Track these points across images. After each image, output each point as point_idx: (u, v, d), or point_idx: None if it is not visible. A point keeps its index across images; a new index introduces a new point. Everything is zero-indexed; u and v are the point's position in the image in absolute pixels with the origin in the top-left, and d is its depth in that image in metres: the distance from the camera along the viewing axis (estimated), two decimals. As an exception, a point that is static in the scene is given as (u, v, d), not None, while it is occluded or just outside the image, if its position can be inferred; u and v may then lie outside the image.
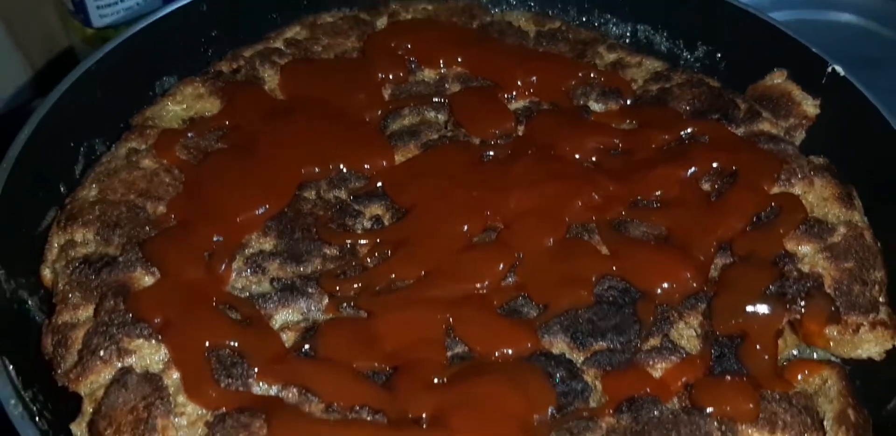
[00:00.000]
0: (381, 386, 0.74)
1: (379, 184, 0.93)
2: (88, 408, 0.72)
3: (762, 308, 0.80)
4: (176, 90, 0.99)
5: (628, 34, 1.16)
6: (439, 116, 1.01)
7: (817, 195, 0.90)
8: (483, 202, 0.90)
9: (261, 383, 0.73)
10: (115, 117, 0.97)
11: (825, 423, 0.74)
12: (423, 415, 0.71)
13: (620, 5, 1.15)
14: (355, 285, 0.82)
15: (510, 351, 0.78)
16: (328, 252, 0.85)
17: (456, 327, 0.79)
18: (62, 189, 0.90)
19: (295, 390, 0.73)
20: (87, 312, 0.78)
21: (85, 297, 0.78)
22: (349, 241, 0.86)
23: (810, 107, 1.01)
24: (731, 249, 0.85)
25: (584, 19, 1.17)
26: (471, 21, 1.11)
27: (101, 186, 0.87)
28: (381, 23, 1.10)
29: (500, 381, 0.73)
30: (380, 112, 1.00)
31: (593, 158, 0.95)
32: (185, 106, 0.98)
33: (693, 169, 0.92)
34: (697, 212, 0.88)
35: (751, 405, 0.73)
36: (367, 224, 0.89)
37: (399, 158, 0.96)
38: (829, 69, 0.99)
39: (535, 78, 1.04)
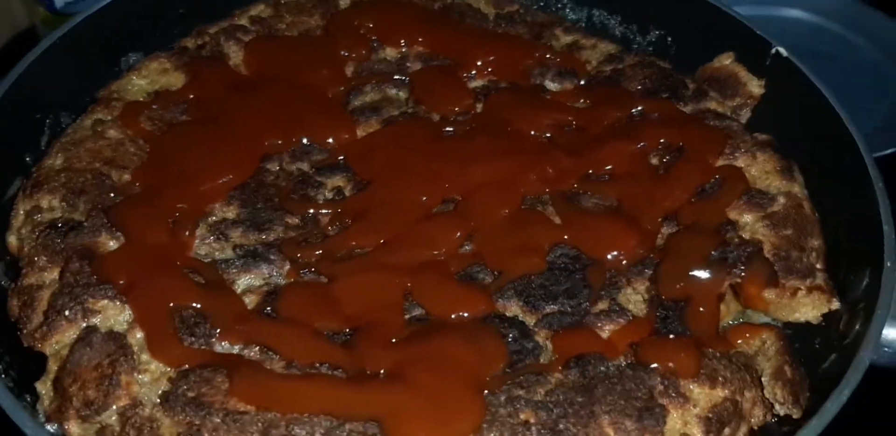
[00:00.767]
0: (340, 345, 0.76)
1: (341, 157, 0.95)
2: (53, 366, 0.74)
3: (705, 273, 0.83)
4: (141, 65, 1.01)
5: (584, 19, 1.20)
6: (400, 94, 1.04)
7: (759, 168, 0.94)
8: (441, 175, 0.93)
9: (223, 343, 0.76)
10: (81, 92, 0.99)
11: (763, 379, 0.78)
12: (381, 371, 0.74)
13: (577, -9, 1.19)
14: (316, 252, 0.85)
15: (466, 314, 0.81)
16: (290, 221, 0.88)
17: (414, 291, 0.82)
18: (28, 159, 0.91)
19: (256, 348, 0.75)
20: (52, 274, 0.79)
21: (51, 260, 0.79)
22: (311, 210, 0.89)
23: (755, 87, 1.05)
24: (676, 218, 0.89)
25: (541, 4, 1.21)
26: (432, 2, 1.14)
27: (66, 155, 0.88)
28: (344, 2, 1.13)
29: (455, 339, 0.76)
30: (342, 88, 1.03)
31: (548, 134, 0.99)
32: (150, 80, 0.99)
33: (642, 144, 0.96)
34: (646, 184, 0.92)
35: (692, 362, 0.76)
36: (329, 195, 0.91)
37: (361, 133, 0.99)
38: (773, 51, 1.03)
39: (493, 58, 1.07)
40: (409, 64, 1.07)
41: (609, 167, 0.94)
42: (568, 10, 1.21)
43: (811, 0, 1.53)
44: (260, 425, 0.69)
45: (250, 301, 0.80)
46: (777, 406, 0.77)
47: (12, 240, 0.84)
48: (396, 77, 1.05)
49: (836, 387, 0.72)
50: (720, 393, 0.76)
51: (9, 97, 0.90)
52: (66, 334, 0.75)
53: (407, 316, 0.80)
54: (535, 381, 0.74)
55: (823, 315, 0.84)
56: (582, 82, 1.06)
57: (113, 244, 0.82)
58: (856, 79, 1.41)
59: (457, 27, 1.12)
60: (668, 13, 1.14)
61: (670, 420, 0.74)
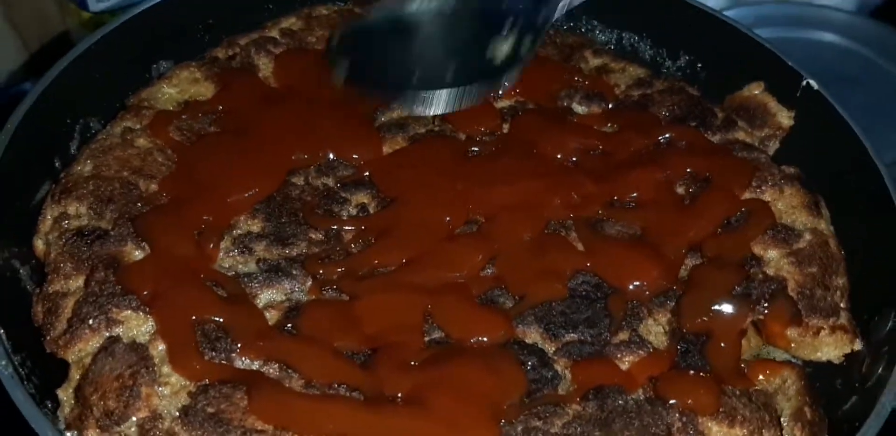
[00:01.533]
0: (359, 365, 0.76)
1: (366, 173, 0.96)
2: (75, 374, 0.74)
3: (728, 307, 0.83)
4: (172, 74, 1.01)
5: (613, 41, 1.20)
6: (428, 112, 1.04)
7: (786, 203, 0.94)
8: (466, 195, 0.93)
9: (244, 358, 0.76)
10: (111, 98, 0.99)
11: (782, 420, 0.78)
12: (399, 394, 0.74)
13: (607, 13, 1.18)
14: (339, 269, 0.85)
15: (485, 338, 0.81)
16: (314, 236, 0.88)
17: (434, 313, 0.82)
18: (57, 164, 0.92)
19: (276, 365, 0.75)
20: (77, 282, 0.80)
21: (76, 267, 0.80)
22: (335, 226, 0.89)
23: (785, 118, 1.05)
24: (700, 250, 0.89)
25: (571, 24, 1.21)
26: (461, 23, 1.15)
27: (95, 162, 0.88)
28: (376, 18, 1.13)
29: (474, 364, 0.76)
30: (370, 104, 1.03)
31: (574, 158, 0.99)
32: (180, 89, 1.00)
33: (668, 172, 0.95)
34: (671, 214, 0.92)
35: (712, 399, 0.76)
36: (353, 211, 0.91)
37: (387, 150, 0.99)
38: (804, 83, 1.03)
39: (521, 79, 1.06)
40: (437, 82, 1.07)
41: (634, 195, 0.94)
42: (598, 32, 1.21)
43: (841, 24, 1.52)
44: (277, 444, 0.69)
45: (271, 316, 0.80)
46: (795, 448, 0.76)
47: (39, 244, 0.85)
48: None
49: (857, 433, 0.72)
50: (738, 432, 0.75)
51: (41, 101, 0.90)
52: (90, 343, 0.76)
53: (426, 338, 0.80)
54: (553, 412, 0.74)
55: (846, 355, 0.84)
56: (610, 106, 1.06)
57: (138, 254, 0.82)
58: (883, 103, 1.41)
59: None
60: (699, 39, 1.14)
61: (688, 459, 0.73)
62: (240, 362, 0.76)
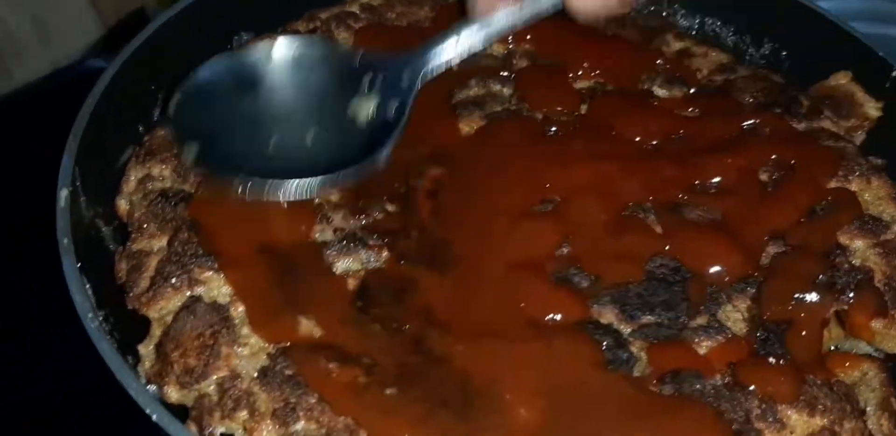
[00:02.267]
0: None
1: (442, 149, 0.95)
2: (157, 331, 0.76)
3: (811, 296, 0.81)
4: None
5: (696, 26, 1.18)
6: (505, 90, 1.03)
7: (873, 194, 0.91)
8: (543, 174, 0.92)
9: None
10: (194, 67, 1.00)
11: (868, 409, 0.76)
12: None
13: (691, -3, 1.17)
14: (413, 242, 0.85)
15: (559, 317, 0.80)
16: (390, 209, 0.88)
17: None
18: (140, 129, 0.93)
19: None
20: (161, 242, 0.81)
21: (160, 227, 0.81)
22: (411, 200, 0.89)
23: (872, 109, 1.02)
24: (784, 238, 0.87)
25: (653, 9, 1.19)
26: (542, 1, 1.13)
27: (182, 127, 0.89)
28: (455, -5, 1.13)
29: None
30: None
31: (654, 142, 0.97)
32: (262, 60, 1.00)
33: (752, 159, 0.93)
34: (753, 200, 0.90)
35: (793, 387, 0.74)
36: (429, 185, 0.91)
37: (463, 128, 0.98)
38: (894, 74, 1.00)
39: (602, 60, 1.05)
40: (515, 61, 1.06)
41: (716, 180, 0.92)
42: (680, 17, 1.18)
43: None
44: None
45: (349, 284, 0.80)
46: (879, 438, 0.74)
47: (122, 204, 0.86)
48: (502, 73, 1.04)
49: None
50: (819, 421, 0.73)
51: (125, 70, 0.91)
52: (172, 301, 0.77)
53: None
54: (631, 393, 0.73)
55: (931, 351, 0.82)
56: (692, 91, 1.04)
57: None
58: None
59: (567, 27, 1.10)
60: (784, 26, 1.11)
61: (766, 445, 0.72)
62: (317, 331, 0.76)
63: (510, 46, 1.07)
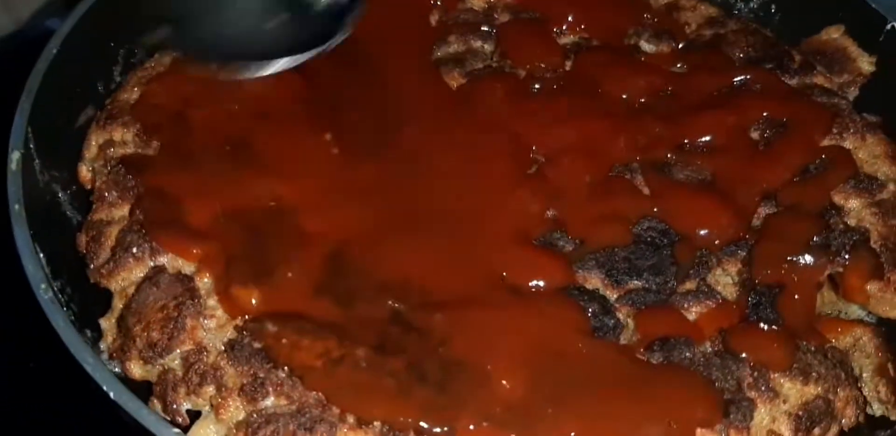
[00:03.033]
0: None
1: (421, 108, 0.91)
2: (118, 304, 0.72)
3: (805, 258, 0.78)
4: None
5: (684, -22, 1.13)
6: (486, 46, 0.98)
7: (868, 152, 0.88)
8: (526, 135, 0.88)
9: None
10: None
11: (864, 375, 0.73)
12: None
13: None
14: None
15: (542, 282, 0.77)
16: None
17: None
18: (100, 88, 0.88)
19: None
20: (122, 211, 0.77)
21: (122, 196, 0.77)
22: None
23: (865, 64, 0.98)
24: (776, 198, 0.83)
25: (640, -39, 1.13)
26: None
27: (143, 90, 0.85)
28: (434, -53, 1.07)
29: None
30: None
31: (641, 99, 0.93)
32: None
33: (743, 116, 0.89)
34: (744, 159, 0.86)
35: (786, 354, 0.72)
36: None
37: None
38: (889, 27, 0.96)
39: (588, 13, 1.01)
40: (496, 15, 1.02)
41: (706, 139, 0.88)
42: (667, -30, 1.13)
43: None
44: (325, 382, 0.66)
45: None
46: (876, 405, 0.72)
47: (84, 171, 0.82)
48: (483, 28, 0.99)
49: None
50: (812, 390, 0.71)
51: (83, 25, 0.86)
52: (133, 272, 0.73)
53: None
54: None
55: (925, 315, 0.79)
56: (680, 45, 0.99)
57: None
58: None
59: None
60: (774, -21, 1.07)
61: (758, 415, 0.69)
62: (287, 301, 0.72)
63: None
